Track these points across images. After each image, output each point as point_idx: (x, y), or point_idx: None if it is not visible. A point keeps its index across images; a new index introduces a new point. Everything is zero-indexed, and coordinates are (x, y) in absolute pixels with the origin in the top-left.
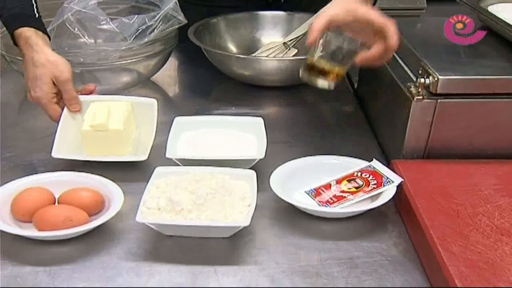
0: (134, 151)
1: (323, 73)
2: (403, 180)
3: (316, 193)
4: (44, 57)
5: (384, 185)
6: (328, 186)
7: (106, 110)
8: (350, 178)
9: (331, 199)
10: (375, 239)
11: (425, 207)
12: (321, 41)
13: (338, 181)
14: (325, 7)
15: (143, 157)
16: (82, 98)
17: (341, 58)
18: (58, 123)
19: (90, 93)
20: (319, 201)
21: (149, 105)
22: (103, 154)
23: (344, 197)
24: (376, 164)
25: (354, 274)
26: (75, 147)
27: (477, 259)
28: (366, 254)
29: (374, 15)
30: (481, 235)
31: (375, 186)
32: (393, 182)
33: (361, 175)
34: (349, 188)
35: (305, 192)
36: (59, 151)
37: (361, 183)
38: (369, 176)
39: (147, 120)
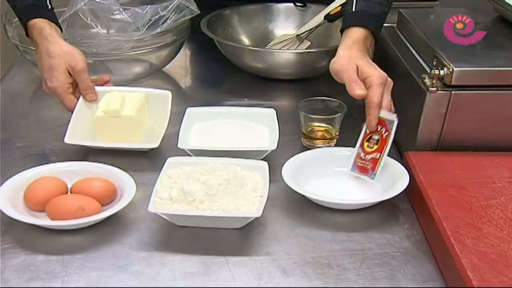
0: (146, 140)
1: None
2: (396, 115)
3: (359, 169)
4: (58, 47)
5: (391, 128)
6: (359, 156)
7: (120, 98)
8: (367, 138)
9: (367, 165)
10: (387, 230)
11: (437, 199)
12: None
13: (361, 146)
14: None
15: (154, 144)
16: (97, 89)
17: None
18: (72, 112)
19: (105, 83)
20: (362, 173)
21: (164, 96)
22: (115, 140)
23: (376, 158)
24: None
25: (366, 265)
26: (88, 136)
27: (490, 252)
28: (378, 245)
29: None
30: (494, 228)
31: (386, 134)
32: (393, 121)
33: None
34: (372, 148)
35: (351, 171)
36: (71, 138)
37: (377, 137)
38: (377, 127)
39: (161, 112)
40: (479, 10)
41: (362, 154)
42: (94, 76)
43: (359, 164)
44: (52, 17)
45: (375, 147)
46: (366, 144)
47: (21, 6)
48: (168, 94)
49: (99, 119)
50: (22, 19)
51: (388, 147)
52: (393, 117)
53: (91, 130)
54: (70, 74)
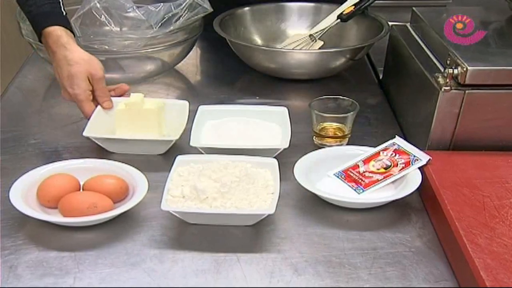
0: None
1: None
2: (430, 158)
3: (345, 175)
4: (77, 55)
5: (412, 164)
6: (355, 167)
7: (140, 96)
8: (376, 158)
9: (361, 180)
10: (399, 230)
11: (450, 199)
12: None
13: (365, 161)
14: None
15: (174, 136)
16: (115, 99)
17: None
18: (88, 119)
19: (124, 92)
20: (350, 183)
21: (182, 105)
22: (135, 132)
23: (377, 179)
24: (400, 142)
25: (377, 264)
26: (107, 132)
27: (504, 252)
28: (390, 244)
29: None
30: (508, 228)
31: (403, 166)
32: (421, 160)
33: (387, 154)
34: (378, 169)
35: (334, 174)
36: (90, 132)
37: (389, 163)
38: (395, 155)
39: (178, 121)
40: (493, 9)
41: (361, 169)
42: (115, 86)
43: (351, 174)
44: (67, 24)
45: (382, 170)
46: (372, 163)
47: (37, 13)
48: (186, 103)
49: (120, 112)
50: (39, 26)
51: (394, 178)
52: (425, 158)
53: (109, 128)
54: (89, 81)
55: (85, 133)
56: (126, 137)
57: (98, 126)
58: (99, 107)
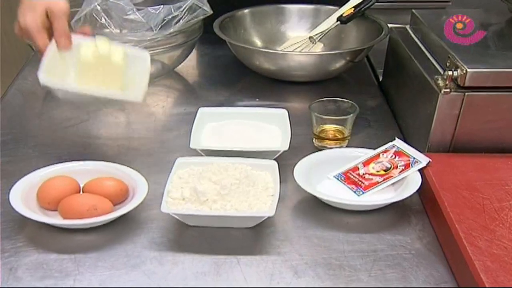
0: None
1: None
2: (430, 160)
3: (345, 177)
4: None
5: (412, 166)
6: (355, 169)
7: (107, 44)
8: (376, 160)
9: (361, 182)
10: (399, 232)
11: (450, 201)
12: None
13: (365, 163)
14: None
15: (138, 98)
16: (74, 37)
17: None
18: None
19: (84, 34)
20: (349, 185)
21: (143, 59)
22: (97, 86)
23: (377, 182)
24: (400, 144)
25: (377, 267)
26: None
27: (504, 254)
28: (390, 247)
29: None
30: (508, 230)
31: (403, 168)
32: (421, 162)
33: (387, 156)
34: (378, 171)
35: (334, 176)
36: (47, 78)
37: (389, 166)
38: (395, 157)
39: (140, 71)
40: (493, 11)
41: (361, 171)
42: None
43: (351, 176)
44: None
45: (382, 172)
46: (372, 165)
47: None
48: (147, 55)
49: (86, 62)
50: None
51: (394, 180)
52: (424, 160)
53: (65, 74)
54: (48, 17)
55: (40, 78)
56: (87, 91)
57: (54, 69)
58: (51, 46)
